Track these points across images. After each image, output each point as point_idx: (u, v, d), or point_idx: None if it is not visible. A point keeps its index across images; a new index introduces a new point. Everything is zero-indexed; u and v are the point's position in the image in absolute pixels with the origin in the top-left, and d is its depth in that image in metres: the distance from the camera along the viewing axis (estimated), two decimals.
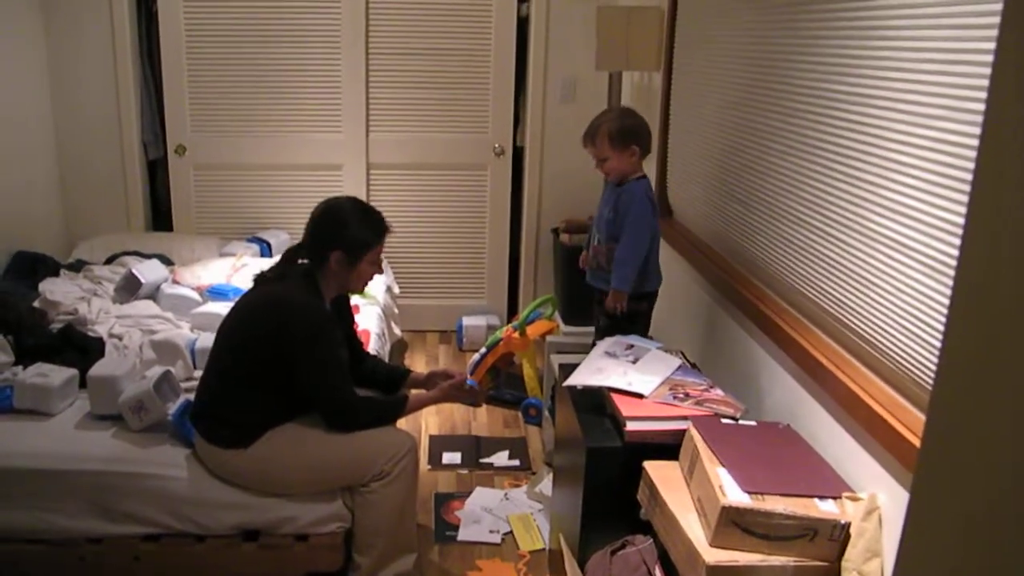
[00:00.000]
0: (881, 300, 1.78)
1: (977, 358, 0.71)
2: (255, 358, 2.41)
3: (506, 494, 3.17)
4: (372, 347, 3.23)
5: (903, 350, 1.70)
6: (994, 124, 0.69)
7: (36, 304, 3.33)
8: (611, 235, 2.77)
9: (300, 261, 2.52)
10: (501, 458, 3.44)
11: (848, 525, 1.69)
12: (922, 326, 1.63)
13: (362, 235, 2.46)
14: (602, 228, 2.82)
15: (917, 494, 0.79)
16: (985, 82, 0.70)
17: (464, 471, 3.35)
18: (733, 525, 1.69)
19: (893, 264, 1.73)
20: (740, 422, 2.07)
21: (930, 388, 0.77)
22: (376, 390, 2.75)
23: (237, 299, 2.56)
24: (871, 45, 1.83)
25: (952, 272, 1.48)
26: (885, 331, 1.76)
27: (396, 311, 4.22)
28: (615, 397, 2.18)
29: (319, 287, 2.46)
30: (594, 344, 2.64)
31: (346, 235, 2.44)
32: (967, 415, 0.72)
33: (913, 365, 1.66)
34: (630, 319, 2.78)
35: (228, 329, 2.48)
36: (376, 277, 2.63)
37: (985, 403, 0.70)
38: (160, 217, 4.70)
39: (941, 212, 1.57)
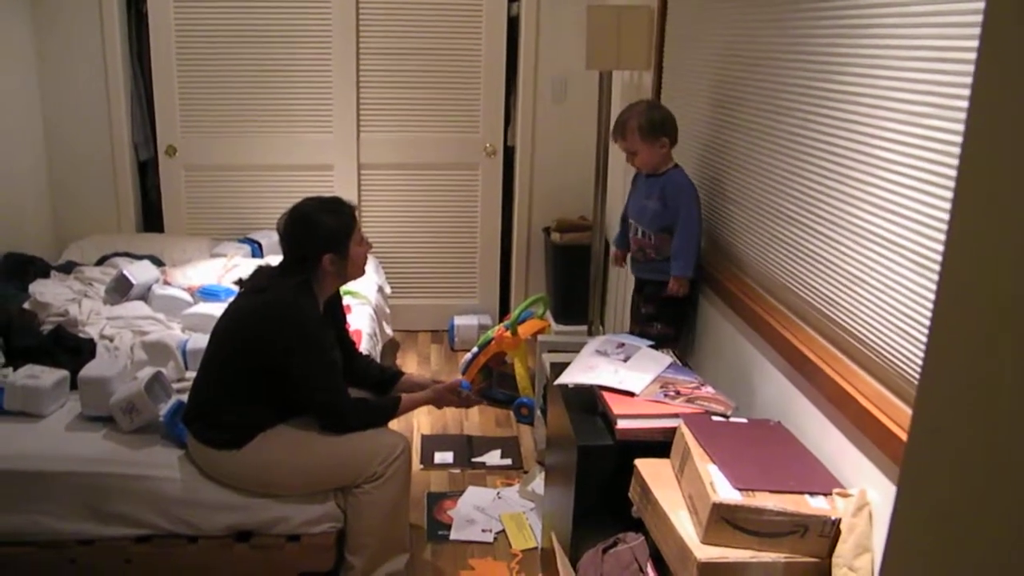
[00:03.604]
0: (870, 296, 1.79)
1: (962, 353, 0.72)
2: (248, 362, 2.40)
3: (498, 493, 3.17)
4: (364, 347, 3.23)
5: (892, 346, 1.71)
6: (977, 121, 0.70)
7: (27, 306, 3.32)
8: (662, 226, 2.80)
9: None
10: (493, 457, 3.44)
11: (838, 521, 1.70)
12: (910, 322, 1.64)
13: (338, 225, 2.45)
14: (646, 219, 2.83)
15: (904, 489, 0.79)
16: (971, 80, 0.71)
17: (456, 470, 3.35)
18: (724, 522, 1.70)
19: (881, 261, 1.74)
20: (731, 419, 2.08)
21: (917, 383, 0.78)
22: (368, 390, 2.75)
23: (229, 303, 2.56)
24: (859, 43, 1.84)
25: (939, 268, 1.49)
26: (874, 327, 1.77)
27: (388, 311, 4.23)
28: (606, 395, 2.19)
29: (313, 291, 2.45)
30: (589, 331, 2.65)
31: (326, 234, 2.42)
32: (953, 410, 0.73)
33: (901, 361, 1.67)
34: (677, 306, 2.84)
35: (221, 334, 2.48)
36: (368, 277, 2.63)
37: (970, 398, 0.70)
38: (151, 218, 4.69)
39: (929, 209, 1.58)
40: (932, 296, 1.55)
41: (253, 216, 4.55)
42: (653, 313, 2.86)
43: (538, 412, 3.49)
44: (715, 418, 2.07)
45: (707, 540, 1.71)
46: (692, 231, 2.73)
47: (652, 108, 2.79)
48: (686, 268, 2.74)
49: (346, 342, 2.76)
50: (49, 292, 3.49)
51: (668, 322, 2.84)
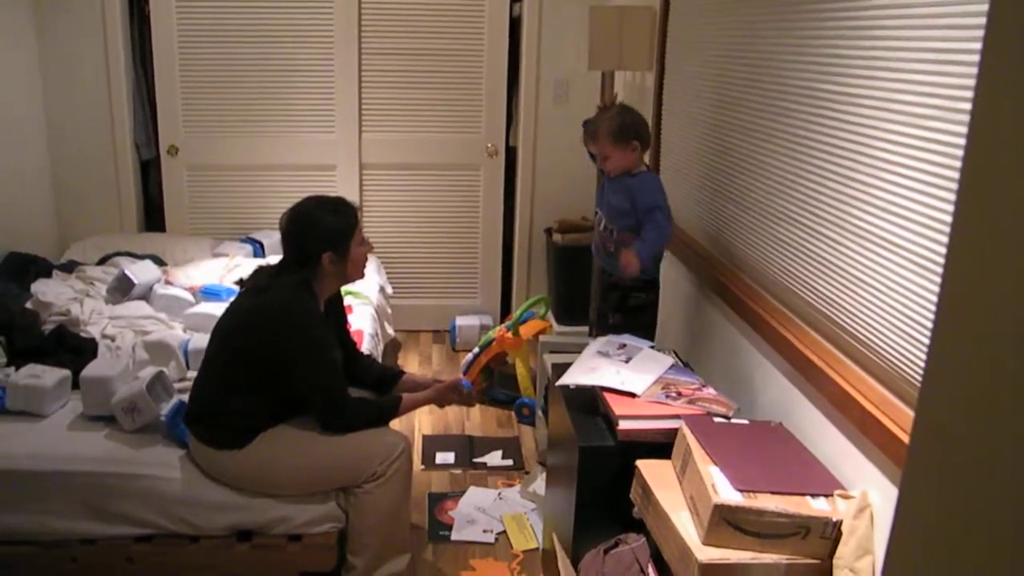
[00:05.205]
0: (872, 299, 1.79)
1: (965, 356, 0.72)
2: (249, 363, 2.40)
3: (500, 494, 3.17)
4: (365, 347, 3.24)
5: (894, 348, 1.71)
6: (980, 123, 0.70)
7: (29, 305, 3.32)
8: (627, 225, 2.75)
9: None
10: (494, 458, 3.44)
11: (840, 523, 1.70)
12: (912, 324, 1.64)
13: (340, 225, 2.45)
14: (613, 215, 2.79)
15: (905, 491, 0.79)
16: (974, 82, 0.71)
17: (457, 471, 3.35)
18: (725, 523, 1.70)
19: (884, 262, 1.74)
20: (732, 420, 2.08)
21: (919, 385, 0.78)
22: (369, 390, 2.75)
23: (230, 303, 2.56)
24: (862, 45, 1.84)
25: (942, 270, 1.49)
26: (876, 329, 1.77)
27: (389, 311, 4.23)
28: (608, 396, 2.19)
29: (314, 290, 2.46)
30: (592, 334, 2.63)
31: (326, 233, 2.42)
32: (955, 413, 0.73)
33: (904, 363, 1.67)
34: (644, 314, 2.83)
35: (222, 334, 2.48)
36: (370, 277, 2.62)
37: (972, 400, 0.70)
38: (153, 218, 4.69)
39: (931, 211, 1.58)
40: (934, 298, 1.55)
41: (255, 216, 4.55)
42: (621, 323, 2.79)
43: (539, 413, 3.49)
44: (716, 419, 2.07)
45: (708, 541, 1.71)
46: (663, 231, 2.67)
47: (623, 112, 2.76)
48: (647, 254, 2.65)
49: (347, 342, 2.76)
50: (51, 291, 3.49)
51: (639, 329, 2.76)
